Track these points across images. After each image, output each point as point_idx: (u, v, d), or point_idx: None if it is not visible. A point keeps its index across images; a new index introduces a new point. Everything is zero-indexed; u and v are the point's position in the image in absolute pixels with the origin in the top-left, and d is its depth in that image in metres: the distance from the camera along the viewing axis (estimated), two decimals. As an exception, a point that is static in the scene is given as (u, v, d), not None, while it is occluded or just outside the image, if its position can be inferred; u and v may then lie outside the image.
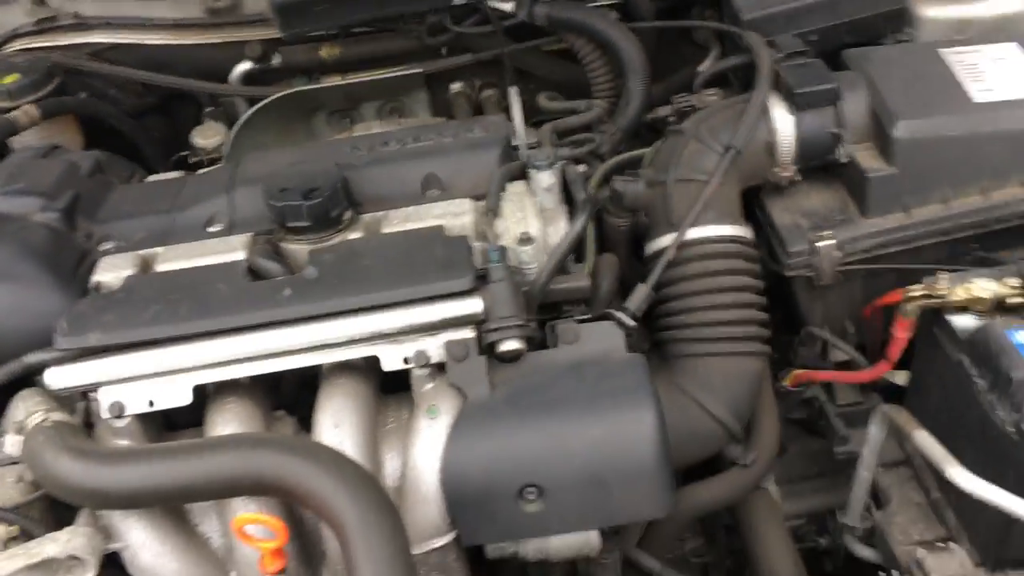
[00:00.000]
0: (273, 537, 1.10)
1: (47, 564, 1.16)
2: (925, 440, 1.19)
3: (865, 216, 1.43)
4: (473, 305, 1.27)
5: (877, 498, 1.40)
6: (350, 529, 1.06)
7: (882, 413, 1.31)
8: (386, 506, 1.09)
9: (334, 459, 1.13)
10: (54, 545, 1.15)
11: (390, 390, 1.34)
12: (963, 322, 1.25)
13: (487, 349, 1.28)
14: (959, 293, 1.24)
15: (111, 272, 1.40)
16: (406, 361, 1.27)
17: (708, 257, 1.40)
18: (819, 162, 1.47)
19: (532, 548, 1.26)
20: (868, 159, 1.43)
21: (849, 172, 1.45)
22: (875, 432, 1.31)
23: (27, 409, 1.25)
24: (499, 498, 1.21)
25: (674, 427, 1.28)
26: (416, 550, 1.20)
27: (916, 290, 1.27)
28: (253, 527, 1.10)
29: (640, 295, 1.38)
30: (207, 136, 2.04)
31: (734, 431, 1.37)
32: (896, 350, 1.32)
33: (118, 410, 1.25)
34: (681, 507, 1.39)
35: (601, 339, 1.31)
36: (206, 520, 1.27)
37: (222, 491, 1.15)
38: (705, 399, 1.36)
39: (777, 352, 1.52)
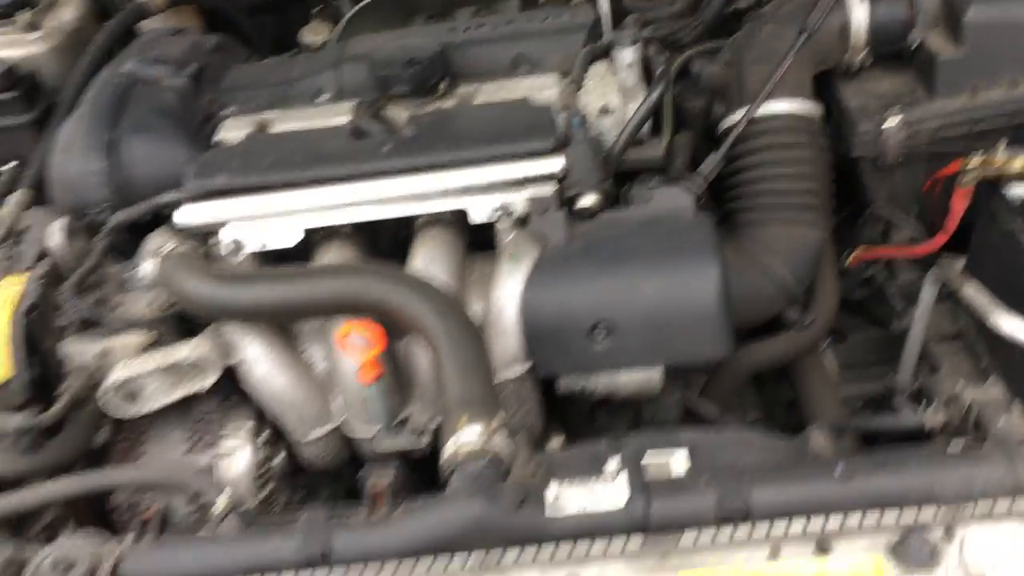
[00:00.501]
0: (370, 346, 1.25)
1: (176, 368, 1.33)
2: (973, 291, 1.27)
3: (932, 98, 1.50)
4: (554, 164, 1.40)
5: (930, 367, 1.48)
6: (437, 337, 1.21)
7: (935, 271, 1.39)
8: (467, 321, 1.23)
9: (425, 284, 1.28)
10: (183, 351, 1.33)
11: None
12: (1018, 191, 1.32)
13: (566, 204, 1.40)
14: (1016, 164, 1.31)
15: (232, 131, 1.56)
16: (492, 213, 1.41)
17: (777, 132, 1.49)
18: (891, 48, 1.54)
19: (600, 383, 1.39)
20: (938, 43, 1.49)
21: (919, 55, 1.51)
22: (928, 291, 1.39)
23: (160, 241, 1.42)
24: (571, 334, 1.34)
25: (737, 286, 1.39)
26: (496, 378, 1.34)
27: (974, 161, 1.34)
28: (354, 337, 1.25)
29: (711, 163, 1.48)
30: (315, 34, 2.19)
31: (794, 293, 1.47)
32: (953, 221, 1.39)
33: (237, 247, 1.41)
34: (740, 362, 1.49)
35: (672, 201, 1.43)
36: (312, 348, 1.43)
37: (329, 309, 1.31)
38: (768, 261, 1.45)
39: (842, 234, 1.61)
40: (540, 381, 1.39)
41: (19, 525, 1.23)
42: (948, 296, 1.52)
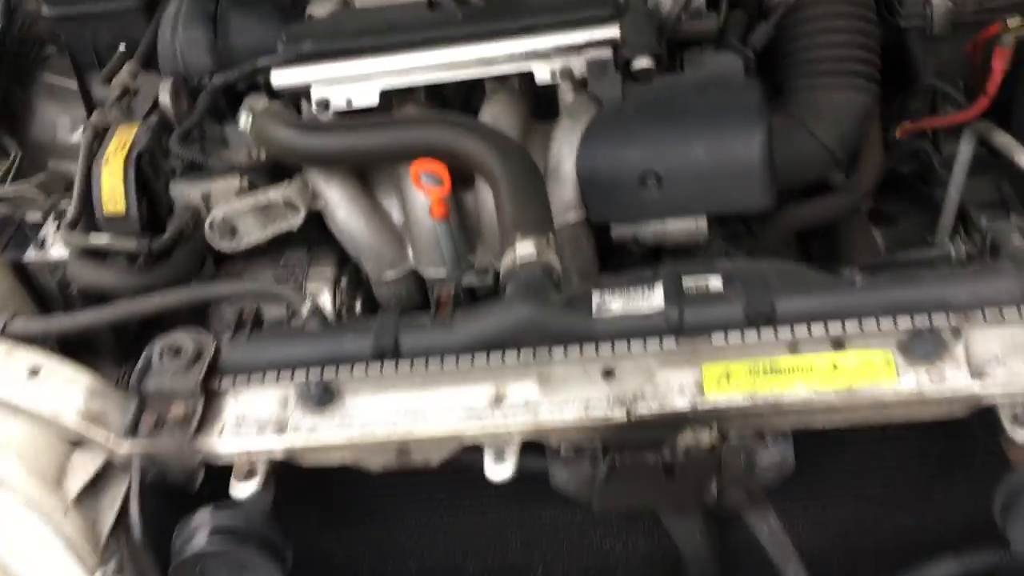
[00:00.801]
0: (440, 184, 1.39)
1: (268, 208, 1.50)
2: (1004, 138, 1.34)
3: (979, -35, 1.55)
4: (612, 30, 1.51)
5: (967, 229, 1.55)
6: (497, 171, 1.34)
7: (971, 129, 1.45)
8: (526, 157, 1.36)
9: (488, 128, 1.42)
10: (275, 192, 1.49)
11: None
12: (1056, 50, 1.38)
13: (622, 67, 1.51)
14: (1055, 24, 1.37)
15: (320, 8, 1.71)
16: (554, 75, 1.53)
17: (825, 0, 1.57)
18: (938, -81, 1.59)
19: (650, 231, 1.50)
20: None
21: (965, -76, 1.57)
22: (964, 149, 1.46)
23: (255, 100, 1.58)
24: (623, 184, 1.46)
25: (782, 148, 1.48)
26: (555, 223, 1.47)
27: (1013, 21, 1.40)
28: (426, 176, 1.39)
29: (761, 31, 1.57)
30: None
31: (838, 156, 1.55)
32: (994, 82, 1.46)
33: (324, 105, 1.56)
34: (784, 220, 1.58)
35: (723, 66, 1.54)
36: (388, 199, 1.58)
37: (401, 153, 1.45)
38: (813, 125, 1.54)
39: (890, 108, 1.68)
40: (594, 229, 1.51)
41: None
42: (991, 168, 1.59)
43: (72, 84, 1.87)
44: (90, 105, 1.83)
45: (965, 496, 1.29)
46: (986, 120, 1.49)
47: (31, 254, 1.55)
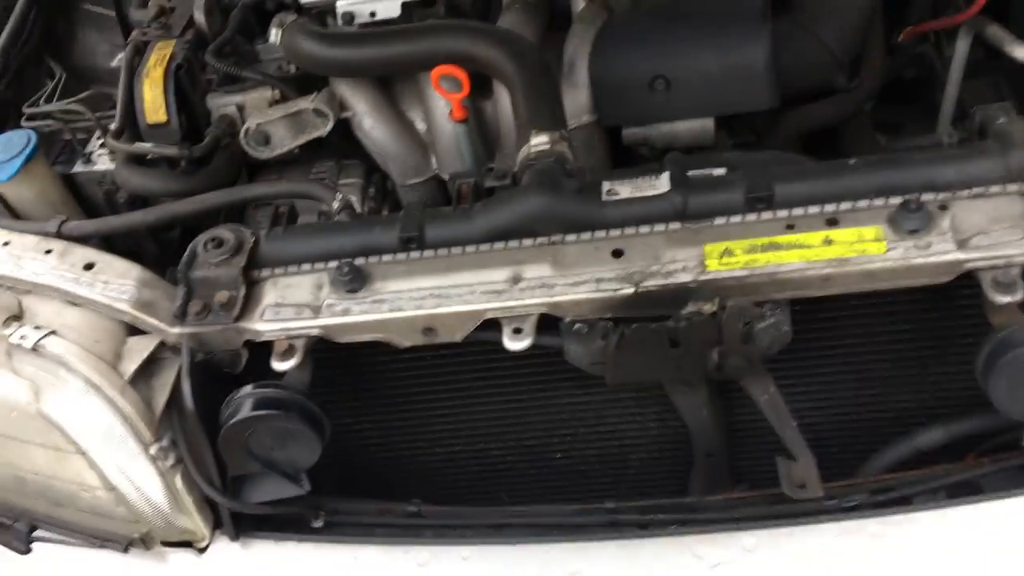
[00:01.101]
0: (459, 88, 1.47)
1: (298, 117, 1.59)
2: (997, 31, 1.40)
3: None
4: (623, -59, 1.58)
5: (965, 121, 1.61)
6: (512, 73, 1.42)
7: (967, 25, 1.51)
8: (539, 60, 1.44)
9: (505, 32, 1.50)
10: (304, 101, 1.59)
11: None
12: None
13: (634, -25, 1.59)
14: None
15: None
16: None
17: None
18: None
19: (659, 133, 1.58)
20: None
21: None
22: (961, 45, 1.52)
23: (284, 16, 1.67)
24: (633, 87, 1.54)
25: (785, 50, 1.55)
26: (569, 125, 1.55)
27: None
28: (445, 80, 1.47)
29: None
30: None
31: (840, 59, 1.61)
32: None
33: (349, 19, 1.64)
34: (789, 122, 1.65)
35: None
36: (412, 109, 1.66)
37: (423, 60, 1.52)
38: (816, 29, 1.60)
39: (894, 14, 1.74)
40: (607, 132, 1.59)
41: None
42: (992, 71, 1.65)
43: (110, 12, 1.96)
44: (127, 30, 1.92)
45: (960, 373, 1.38)
46: (983, 16, 1.54)
47: (79, 167, 1.65)
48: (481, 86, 1.56)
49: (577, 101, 1.56)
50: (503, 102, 1.56)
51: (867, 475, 1.39)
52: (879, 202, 1.21)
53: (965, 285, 1.19)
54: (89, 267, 1.38)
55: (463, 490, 1.59)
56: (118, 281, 1.36)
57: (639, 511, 1.37)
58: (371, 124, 1.62)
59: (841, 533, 1.30)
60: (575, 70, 1.55)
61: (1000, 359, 1.13)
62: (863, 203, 1.22)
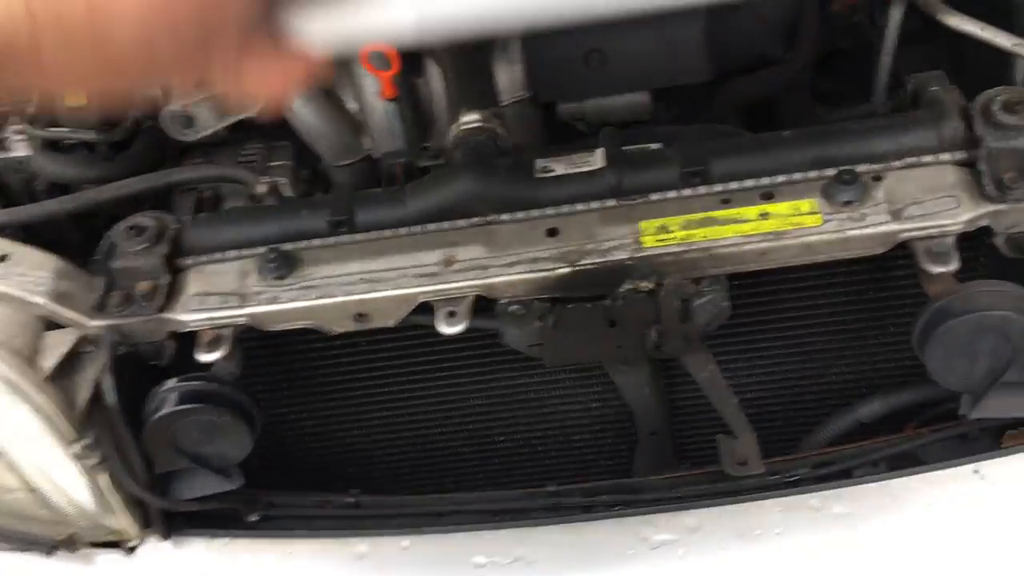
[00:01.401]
0: (388, 68, 1.43)
1: (222, 99, 1.53)
2: (930, -1, 1.40)
3: None
4: (554, -89, 1.54)
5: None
6: (445, 57, 1.38)
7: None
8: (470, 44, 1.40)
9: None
10: (228, 81, 1.53)
11: None
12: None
13: (564, -52, 1.55)
14: None
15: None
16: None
17: None
18: None
19: (595, 107, 1.55)
20: None
21: None
22: (895, 13, 1.51)
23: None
24: (568, 61, 1.50)
25: (722, 25, 1.52)
26: (503, 102, 1.52)
27: None
28: (375, 58, 1.43)
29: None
30: None
31: (775, 30, 1.60)
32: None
33: None
34: (726, 95, 1.63)
35: (662, -57, 1.57)
36: (342, 89, 1.61)
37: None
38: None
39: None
40: (543, 107, 1.56)
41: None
42: (929, 40, 1.64)
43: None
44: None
45: (899, 344, 1.38)
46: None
47: (-6, 154, 1.59)
48: (414, 64, 1.52)
49: (511, 77, 1.52)
50: (437, 81, 1.52)
51: (809, 449, 1.39)
52: (814, 174, 1.20)
53: (902, 256, 1.18)
54: (3, 259, 1.32)
55: (405, 478, 1.56)
56: (34, 273, 1.30)
57: (582, 493, 1.35)
58: (299, 104, 1.57)
59: (784, 508, 1.29)
60: (508, 45, 1.51)
61: (935, 330, 1.13)
62: (798, 175, 1.21)
